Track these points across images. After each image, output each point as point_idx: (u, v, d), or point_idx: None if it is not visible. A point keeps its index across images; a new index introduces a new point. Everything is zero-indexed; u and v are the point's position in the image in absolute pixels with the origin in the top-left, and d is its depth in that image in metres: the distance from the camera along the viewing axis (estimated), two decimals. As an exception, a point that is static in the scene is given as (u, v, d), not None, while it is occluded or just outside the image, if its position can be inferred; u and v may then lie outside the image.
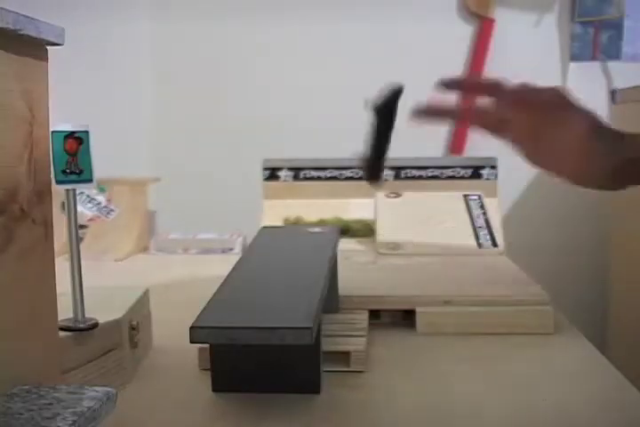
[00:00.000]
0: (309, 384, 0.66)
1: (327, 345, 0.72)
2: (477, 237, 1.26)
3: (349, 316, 0.84)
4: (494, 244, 1.25)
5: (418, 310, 0.87)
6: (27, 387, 0.52)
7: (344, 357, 0.72)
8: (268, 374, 0.66)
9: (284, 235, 0.93)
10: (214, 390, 0.67)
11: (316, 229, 0.91)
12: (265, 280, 0.72)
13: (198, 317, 0.59)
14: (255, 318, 0.59)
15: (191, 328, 0.58)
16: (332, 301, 0.83)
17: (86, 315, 0.67)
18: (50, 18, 0.61)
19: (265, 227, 0.96)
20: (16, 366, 0.55)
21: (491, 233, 1.26)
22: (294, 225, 1.33)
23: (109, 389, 0.53)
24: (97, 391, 0.53)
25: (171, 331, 0.87)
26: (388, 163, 1.40)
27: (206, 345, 0.71)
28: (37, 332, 0.59)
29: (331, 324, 0.80)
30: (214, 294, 0.65)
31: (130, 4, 1.94)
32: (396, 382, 0.71)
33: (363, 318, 0.84)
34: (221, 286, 0.68)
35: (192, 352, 0.73)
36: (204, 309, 0.61)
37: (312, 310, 0.60)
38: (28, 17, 0.54)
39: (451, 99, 0.82)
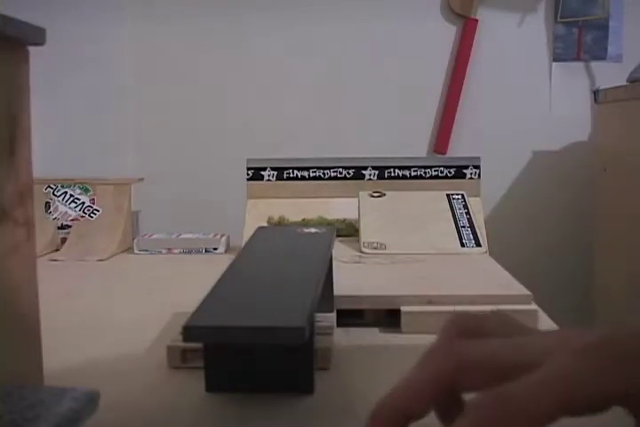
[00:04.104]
0: (303, 384, 0.66)
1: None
2: (460, 237, 1.26)
3: (317, 315, 0.84)
4: (477, 243, 1.25)
5: (402, 309, 0.87)
6: (8, 388, 0.52)
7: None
8: (261, 374, 0.66)
9: (280, 235, 0.93)
10: (207, 390, 0.67)
11: (312, 230, 0.91)
12: (259, 280, 0.72)
13: (191, 316, 0.59)
14: (249, 317, 0.59)
15: (184, 327, 0.57)
16: (327, 300, 0.84)
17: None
18: (34, 18, 0.61)
19: (261, 227, 0.96)
20: (-2, 368, 0.55)
21: (474, 232, 1.27)
22: (290, 225, 1.33)
23: (92, 390, 0.53)
24: (79, 392, 0.53)
25: (159, 331, 0.87)
26: (371, 162, 1.42)
27: (177, 344, 0.71)
28: (19, 333, 0.59)
29: None
30: (208, 294, 0.65)
31: (114, 5, 1.94)
32: (383, 380, 0.71)
33: (330, 315, 0.84)
34: (215, 285, 0.68)
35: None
36: (198, 308, 0.61)
37: (306, 309, 0.60)
38: (8, 17, 0.54)
39: None
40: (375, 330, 0.85)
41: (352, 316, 0.87)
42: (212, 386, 0.67)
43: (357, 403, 0.66)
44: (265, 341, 0.58)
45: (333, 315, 0.85)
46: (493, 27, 1.95)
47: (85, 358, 0.78)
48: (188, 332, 0.58)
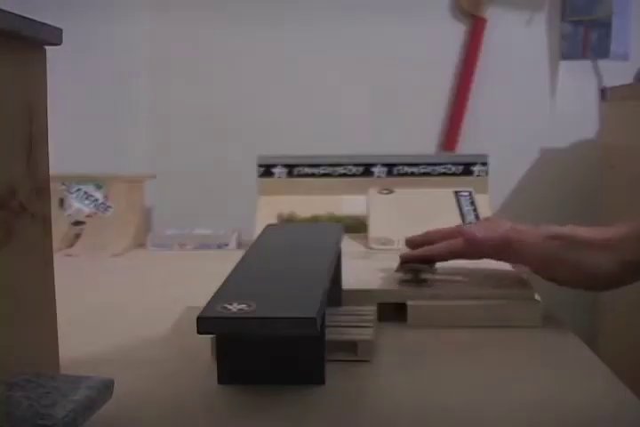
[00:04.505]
0: (314, 375, 0.67)
1: (334, 335, 0.74)
2: (467, 233, 1.28)
3: (357, 308, 0.86)
4: (484, 239, 1.27)
5: (408, 303, 0.88)
6: (26, 376, 0.54)
7: (350, 347, 0.74)
8: (273, 366, 0.67)
9: (289, 231, 0.95)
10: (220, 381, 0.68)
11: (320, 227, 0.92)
12: (270, 273, 0.73)
13: (205, 308, 0.61)
14: (261, 308, 0.61)
15: (198, 318, 0.59)
16: (335, 294, 0.85)
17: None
18: (48, 17, 0.63)
19: (270, 224, 0.97)
20: (16, 357, 0.57)
21: (480, 229, 1.28)
22: (298, 222, 1.35)
23: (107, 378, 0.55)
24: (94, 381, 0.54)
25: (172, 324, 0.89)
26: (380, 160, 1.44)
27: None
28: (37, 324, 0.61)
29: (338, 315, 0.82)
30: (220, 286, 0.67)
31: (128, 4, 1.95)
32: (391, 373, 0.72)
33: (371, 309, 0.86)
34: (227, 278, 0.70)
35: (194, 345, 0.75)
36: (211, 300, 0.63)
37: (316, 301, 0.62)
38: (26, 18, 0.56)
39: None
40: (382, 323, 0.86)
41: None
42: (224, 378, 0.68)
43: (368, 395, 0.67)
44: (277, 331, 0.59)
45: (374, 308, 0.86)
46: (501, 26, 1.96)
47: (100, 348, 0.80)
48: (202, 323, 0.59)
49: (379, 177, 1.43)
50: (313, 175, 1.44)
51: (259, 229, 0.95)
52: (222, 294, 0.65)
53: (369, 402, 0.65)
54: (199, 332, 0.59)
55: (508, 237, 0.88)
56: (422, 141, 1.99)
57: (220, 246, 1.41)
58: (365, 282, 0.94)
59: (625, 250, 0.82)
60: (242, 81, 2.02)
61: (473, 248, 0.91)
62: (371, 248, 1.26)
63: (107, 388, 0.55)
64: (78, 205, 1.42)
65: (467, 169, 1.42)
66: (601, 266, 0.82)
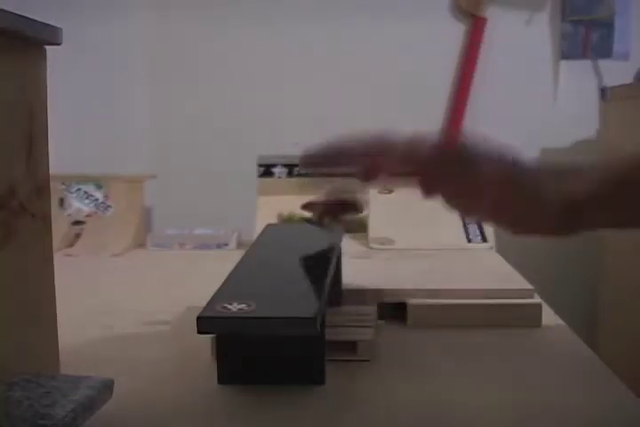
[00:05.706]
0: (314, 375, 0.68)
1: (334, 335, 0.74)
2: (467, 233, 1.28)
3: (357, 308, 0.86)
4: (483, 239, 1.27)
5: (408, 302, 0.88)
6: (26, 376, 0.54)
7: (350, 347, 0.74)
8: (273, 366, 0.67)
9: (289, 231, 0.95)
10: (220, 382, 0.68)
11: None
12: (270, 273, 0.74)
13: (205, 308, 0.61)
14: (261, 308, 0.61)
15: (198, 318, 0.59)
16: (335, 294, 0.85)
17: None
18: (48, 18, 0.63)
19: (270, 224, 0.97)
20: (16, 357, 0.57)
21: (480, 228, 1.28)
22: (298, 222, 1.35)
23: (106, 378, 0.55)
24: (94, 381, 0.54)
25: (172, 324, 0.89)
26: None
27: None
28: (37, 324, 0.61)
29: (338, 315, 0.82)
30: (220, 287, 0.67)
31: (128, 4, 1.95)
32: (391, 372, 0.72)
33: (371, 309, 0.86)
34: (227, 278, 0.70)
35: (194, 345, 0.75)
36: (211, 300, 0.63)
37: (316, 301, 0.62)
38: (26, 17, 0.56)
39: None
40: (381, 323, 0.86)
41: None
42: (224, 378, 0.68)
43: (368, 395, 0.67)
44: (277, 331, 0.59)
45: (374, 308, 0.86)
46: (501, 25, 1.96)
47: (100, 348, 0.80)
48: (202, 322, 0.59)
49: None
50: (313, 175, 1.44)
51: (259, 229, 0.95)
52: (222, 293, 0.65)
53: (369, 402, 0.65)
54: (199, 332, 0.59)
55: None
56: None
57: (219, 246, 1.41)
58: (365, 282, 0.94)
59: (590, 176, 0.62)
60: (242, 81, 2.02)
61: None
62: (371, 248, 1.26)
63: (107, 388, 0.55)
64: (78, 205, 1.43)
65: (467, 169, 1.42)
66: (567, 186, 0.64)
